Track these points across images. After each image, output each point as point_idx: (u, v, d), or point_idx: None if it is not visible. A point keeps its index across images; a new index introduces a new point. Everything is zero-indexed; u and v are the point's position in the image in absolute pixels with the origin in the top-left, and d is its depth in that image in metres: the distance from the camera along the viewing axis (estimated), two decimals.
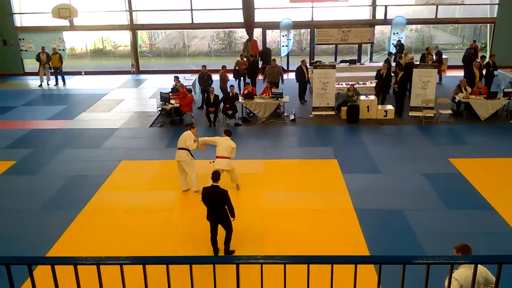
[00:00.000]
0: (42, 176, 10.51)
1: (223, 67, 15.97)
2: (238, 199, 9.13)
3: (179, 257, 2.58)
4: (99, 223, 8.45)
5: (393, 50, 19.34)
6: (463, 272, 4.26)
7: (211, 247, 7.33)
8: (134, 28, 21.13)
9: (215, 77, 15.73)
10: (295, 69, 16.02)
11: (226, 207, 7.10)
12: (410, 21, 20.70)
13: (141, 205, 9.08)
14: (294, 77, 16.13)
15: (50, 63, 18.99)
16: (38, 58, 19.01)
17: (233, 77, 17.09)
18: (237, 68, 16.92)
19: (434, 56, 17.36)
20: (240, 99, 14.14)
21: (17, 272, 2.55)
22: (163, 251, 7.45)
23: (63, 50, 20.91)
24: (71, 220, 8.50)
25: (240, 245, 7.69)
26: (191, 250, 7.52)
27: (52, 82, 19.30)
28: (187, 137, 9.44)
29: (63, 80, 19.40)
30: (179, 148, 9.44)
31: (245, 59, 17.24)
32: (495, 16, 20.28)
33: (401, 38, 19.70)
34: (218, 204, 7.08)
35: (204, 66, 15.46)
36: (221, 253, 7.35)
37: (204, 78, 15.27)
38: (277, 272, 2.61)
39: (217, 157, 9.19)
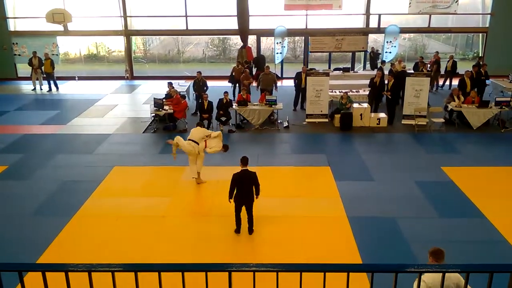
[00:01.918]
0: (34, 181, 10.44)
1: (245, 71, 15.96)
2: (229, 206, 9.12)
3: (171, 265, 2.57)
4: (91, 229, 8.39)
5: (386, 58, 19.54)
6: (430, 274, 4.21)
7: (235, 226, 8.15)
8: (128, 33, 21.13)
9: (210, 83, 15.75)
10: (289, 76, 16.06)
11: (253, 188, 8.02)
12: (403, 30, 20.89)
13: (134, 211, 9.03)
14: (289, 84, 16.14)
15: (42, 68, 18.92)
16: (30, 63, 18.94)
17: (229, 82, 17.21)
18: (233, 74, 16.98)
19: (433, 66, 17.65)
20: (234, 105, 14.16)
21: (8, 279, 2.53)
22: (155, 258, 7.41)
23: (57, 55, 20.85)
24: (63, 226, 8.44)
25: (232, 252, 7.68)
26: (183, 257, 7.49)
27: (45, 87, 19.20)
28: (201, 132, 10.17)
29: (56, 85, 19.29)
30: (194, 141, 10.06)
31: (240, 65, 17.29)
32: (487, 25, 20.52)
33: (395, 46, 19.89)
34: (249, 185, 7.94)
35: (199, 72, 15.48)
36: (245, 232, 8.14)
37: (199, 84, 15.28)
38: (269, 279, 2.61)
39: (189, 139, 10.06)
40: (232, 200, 8.04)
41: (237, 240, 7.98)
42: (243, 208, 8.06)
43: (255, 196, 8.07)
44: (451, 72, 18.39)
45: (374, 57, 19.66)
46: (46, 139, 13.22)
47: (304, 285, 2.59)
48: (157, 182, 10.37)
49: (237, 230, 8.14)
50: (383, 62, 18.06)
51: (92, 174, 10.69)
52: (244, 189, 7.94)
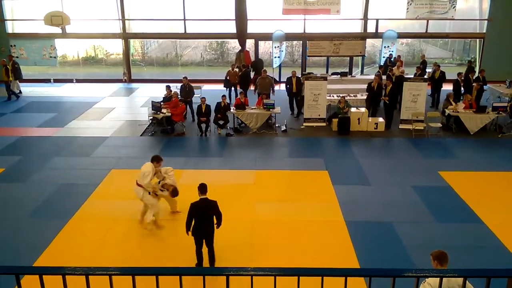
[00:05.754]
0: (31, 184, 10.41)
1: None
2: (227, 210, 9.10)
3: (168, 268, 2.57)
4: (88, 232, 8.37)
5: (382, 63, 19.50)
6: (436, 279, 4.27)
7: (197, 260, 7.33)
8: (126, 36, 21.14)
9: (208, 87, 15.73)
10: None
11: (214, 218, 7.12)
12: (401, 35, 20.97)
13: (131, 214, 9.01)
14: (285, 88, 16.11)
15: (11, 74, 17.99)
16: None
17: (224, 87, 17.18)
18: (228, 78, 16.97)
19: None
20: (232, 109, 14.17)
21: (4, 282, 2.53)
22: (153, 262, 7.40)
23: (55, 57, 20.84)
24: (60, 229, 8.42)
25: (230, 256, 7.66)
26: (181, 261, 7.47)
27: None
28: (145, 172, 8.14)
29: (10, 95, 18.09)
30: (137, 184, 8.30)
31: (236, 69, 17.29)
32: (484, 31, 20.61)
33: (392, 51, 19.93)
34: (208, 216, 7.07)
35: (185, 78, 15.43)
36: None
37: (186, 89, 15.25)
38: (267, 284, 2.60)
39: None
40: (190, 233, 7.12)
41: (234, 245, 7.96)
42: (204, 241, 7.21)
43: (215, 226, 7.17)
44: (437, 81, 16.33)
45: (388, 66, 18.29)
46: (43, 142, 13.19)
47: None
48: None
49: (199, 263, 7.36)
50: (380, 67, 17.97)
51: (89, 177, 10.67)
52: (203, 219, 7.05)
